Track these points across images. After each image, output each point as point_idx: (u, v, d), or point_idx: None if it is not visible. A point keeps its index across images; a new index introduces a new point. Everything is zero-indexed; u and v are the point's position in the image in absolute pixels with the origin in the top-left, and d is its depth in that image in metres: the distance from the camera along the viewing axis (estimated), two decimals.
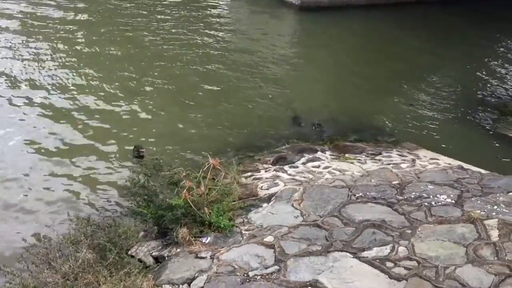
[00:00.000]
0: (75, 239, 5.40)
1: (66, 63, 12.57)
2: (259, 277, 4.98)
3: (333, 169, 7.91)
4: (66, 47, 13.57)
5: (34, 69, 12.12)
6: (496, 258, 4.85)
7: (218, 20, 17.10)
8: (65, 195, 7.64)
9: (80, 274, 4.97)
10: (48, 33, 14.49)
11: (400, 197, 6.23)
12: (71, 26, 15.06)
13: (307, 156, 8.50)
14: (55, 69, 12.19)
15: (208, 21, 16.66)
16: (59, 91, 11.11)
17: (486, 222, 5.41)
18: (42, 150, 8.82)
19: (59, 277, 4.99)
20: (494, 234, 5.19)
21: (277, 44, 15.30)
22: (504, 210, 5.68)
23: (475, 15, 18.52)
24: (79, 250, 5.21)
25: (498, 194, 6.11)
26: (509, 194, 6.11)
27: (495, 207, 5.75)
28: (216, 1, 19.05)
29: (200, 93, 11.48)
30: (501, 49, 16.16)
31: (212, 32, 15.65)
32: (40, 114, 10.07)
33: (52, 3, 16.85)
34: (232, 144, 9.25)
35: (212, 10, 18.13)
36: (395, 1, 19.34)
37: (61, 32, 14.64)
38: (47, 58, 12.82)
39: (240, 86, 11.95)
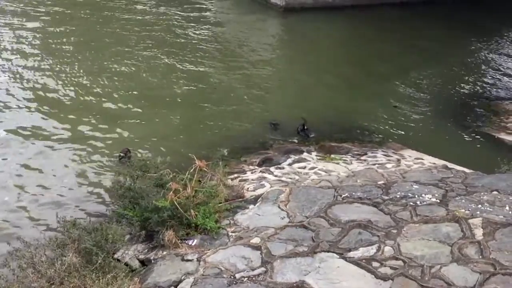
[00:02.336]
0: (61, 242, 5.35)
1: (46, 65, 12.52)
2: (246, 279, 4.98)
3: (319, 169, 7.95)
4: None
5: (17, 69, 12.05)
6: (480, 256, 4.90)
7: (202, 22, 17.06)
8: (50, 198, 7.58)
9: (66, 279, 4.92)
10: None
11: (386, 197, 6.26)
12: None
13: (293, 157, 8.53)
14: (42, 71, 12.14)
15: (192, 24, 16.60)
16: (47, 93, 11.07)
17: (470, 221, 5.46)
18: (28, 153, 8.74)
19: (44, 281, 4.94)
20: (479, 233, 5.24)
21: (261, 46, 15.33)
22: (488, 208, 5.73)
23: (459, 16, 18.70)
24: (65, 254, 5.15)
25: (482, 193, 6.16)
26: (493, 193, 6.17)
27: (479, 206, 5.81)
28: (200, 3, 19.01)
29: (185, 96, 11.47)
30: (484, 50, 16.33)
31: (196, 34, 15.62)
32: (25, 116, 9.99)
33: None
34: (218, 146, 9.22)
35: (196, 12, 18.09)
36: (379, 2, 19.47)
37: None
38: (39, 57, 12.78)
39: (225, 89, 11.96)
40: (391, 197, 6.26)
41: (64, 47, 13.83)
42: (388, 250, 5.15)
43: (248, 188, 7.22)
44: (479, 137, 10.34)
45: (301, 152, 8.83)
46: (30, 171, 8.24)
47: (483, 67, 14.83)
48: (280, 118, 10.39)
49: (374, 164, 8.18)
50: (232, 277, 5.02)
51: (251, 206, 6.53)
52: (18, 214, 7.15)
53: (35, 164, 8.43)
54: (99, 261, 5.13)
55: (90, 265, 5.14)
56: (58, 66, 12.57)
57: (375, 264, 4.96)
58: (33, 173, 8.22)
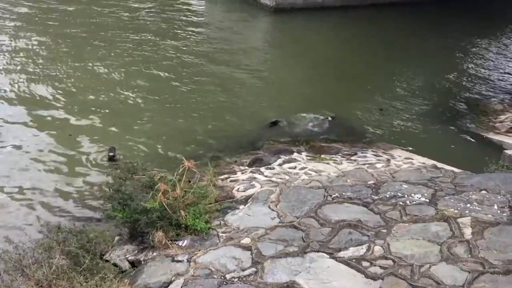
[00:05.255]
0: (47, 245, 5.30)
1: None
2: (236, 279, 4.96)
3: (309, 170, 7.95)
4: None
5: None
6: (469, 255, 4.92)
7: (191, 22, 17.03)
8: (37, 200, 7.51)
9: (54, 281, 4.89)
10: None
11: (376, 197, 6.28)
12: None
13: (283, 158, 8.54)
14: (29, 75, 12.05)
15: (181, 25, 16.57)
16: (29, 96, 10.98)
17: (459, 220, 5.48)
18: (13, 155, 8.66)
19: (33, 284, 4.90)
20: (468, 232, 5.26)
21: (251, 47, 15.37)
22: (476, 208, 5.76)
23: (448, 17, 18.84)
24: (52, 257, 5.11)
25: (471, 192, 6.19)
26: (481, 192, 6.20)
27: (468, 205, 5.83)
28: (191, 5, 18.96)
29: (174, 97, 11.44)
30: (473, 49, 16.46)
31: (185, 35, 15.58)
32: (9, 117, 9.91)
33: None
34: (207, 146, 9.22)
35: (185, 12, 18.06)
36: (369, 3, 19.56)
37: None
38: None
39: (215, 90, 11.93)
40: (381, 196, 6.28)
41: (51, 46, 13.76)
42: (378, 249, 5.15)
43: (238, 189, 7.21)
44: (468, 137, 10.42)
45: (291, 152, 8.84)
46: (15, 173, 8.16)
47: (472, 67, 14.94)
48: (269, 118, 10.41)
49: (364, 164, 8.20)
50: (222, 277, 5.01)
51: (241, 207, 6.52)
52: (3, 217, 7.06)
53: (20, 165, 8.35)
54: (86, 263, 5.10)
55: (78, 267, 5.10)
56: (43, 67, 12.50)
57: (365, 263, 4.96)
58: (18, 174, 8.14)
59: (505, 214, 5.62)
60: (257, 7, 18.94)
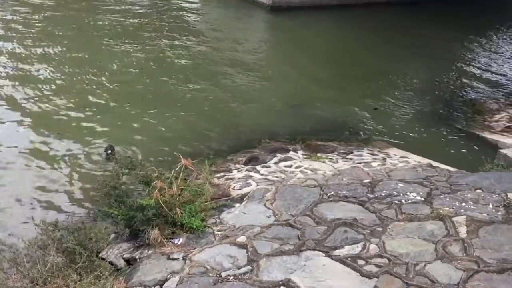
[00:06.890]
0: (42, 243, 5.29)
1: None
2: (231, 277, 4.97)
3: (305, 168, 7.95)
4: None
5: None
6: (464, 254, 4.94)
7: (186, 19, 17.00)
8: (33, 198, 7.47)
9: (49, 279, 4.88)
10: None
11: (371, 196, 6.29)
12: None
13: (279, 156, 8.53)
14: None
15: (177, 25, 16.52)
16: (27, 92, 10.95)
17: (454, 219, 5.51)
18: (8, 152, 8.63)
19: (28, 281, 4.89)
20: (463, 231, 5.29)
21: (247, 45, 15.34)
22: (472, 207, 5.78)
23: (443, 17, 18.86)
24: (47, 254, 5.10)
25: (466, 191, 6.21)
26: (476, 191, 6.22)
27: (463, 204, 5.86)
28: (185, 3, 18.92)
29: (169, 95, 11.41)
30: (469, 48, 16.49)
31: (179, 33, 15.55)
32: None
33: None
34: (203, 144, 9.21)
35: (180, 10, 18.02)
36: (365, 2, 19.58)
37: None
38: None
39: (212, 88, 11.91)
40: (376, 195, 6.29)
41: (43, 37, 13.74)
42: (373, 248, 5.17)
43: (234, 187, 7.20)
44: (463, 136, 10.43)
45: (287, 150, 8.84)
46: (10, 169, 8.13)
47: (468, 66, 14.95)
48: (267, 116, 10.40)
49: (360, 163, 8.20)
50: (218, 275, 5.01)
51: (237, 205, 6.52)
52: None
53: (17, 162, 8.31)
54: (82, 261, 5.10)
55: (74, 264, 5.10)
56: (39, 62, 12.48)
57: (360, 262, 4.98)
58: (13, 171, 8.10)
59: (500, 213, 5.65)
60: (253, 5, 18.93)
